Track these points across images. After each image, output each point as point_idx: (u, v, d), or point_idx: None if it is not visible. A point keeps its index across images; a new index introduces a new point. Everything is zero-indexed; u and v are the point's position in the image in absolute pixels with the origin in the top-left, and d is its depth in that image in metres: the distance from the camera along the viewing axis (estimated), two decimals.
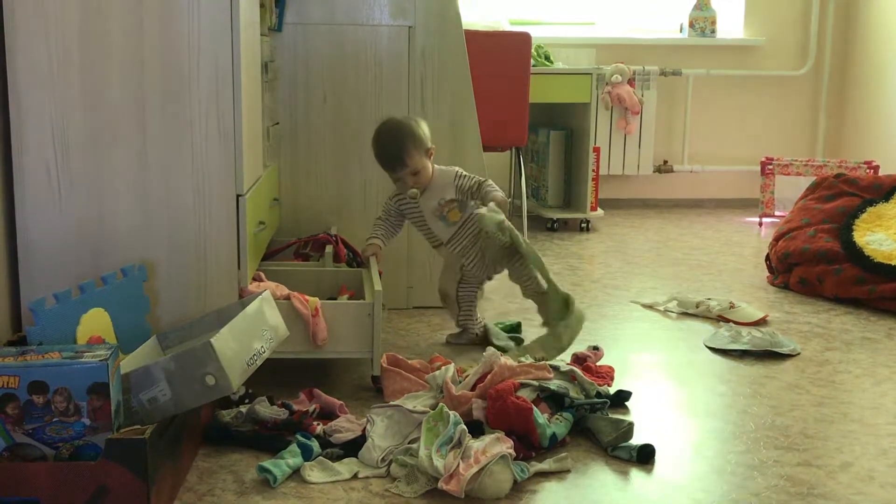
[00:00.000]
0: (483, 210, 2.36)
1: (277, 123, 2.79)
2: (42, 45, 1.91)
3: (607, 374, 2.31)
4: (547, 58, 4.70)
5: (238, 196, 2.01)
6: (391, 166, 2.47)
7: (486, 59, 3.82)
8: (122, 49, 1.93)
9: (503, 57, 4.00)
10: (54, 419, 1.51)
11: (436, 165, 2.52)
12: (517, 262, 2.48)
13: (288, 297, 2.14)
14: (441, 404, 1.84)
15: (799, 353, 2.56)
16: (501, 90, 3.99)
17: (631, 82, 5.03)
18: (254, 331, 1.80)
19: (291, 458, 1.76)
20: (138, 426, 1.58)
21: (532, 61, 4.25)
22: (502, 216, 2.37)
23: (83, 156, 1.96)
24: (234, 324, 1.74)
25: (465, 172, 2.51)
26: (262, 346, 1.80)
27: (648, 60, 5.14)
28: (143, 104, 1.95)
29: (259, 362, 1.78)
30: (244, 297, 2.01)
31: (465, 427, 1.76)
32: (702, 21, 5.21)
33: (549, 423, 1.88)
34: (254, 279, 2.23)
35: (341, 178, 2.89)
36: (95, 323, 1.77)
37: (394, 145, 2.45)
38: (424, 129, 2.48)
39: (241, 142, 1.99)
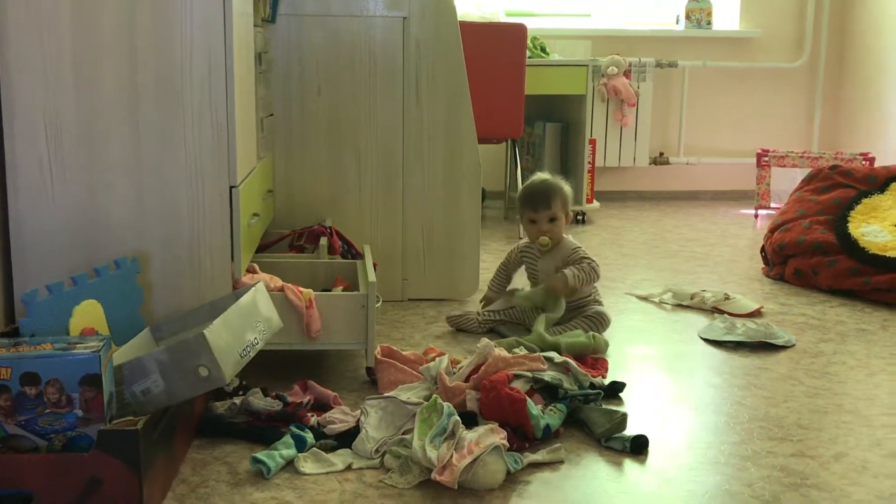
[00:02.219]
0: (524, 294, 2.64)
1: (271, 115, 2.79)
2: (34, 37, 1.90)
3: (601, 366, 2.31)
4: (543, 49, 4.70)
5: (231, 188, 2.01)
6: (535, 203, 2.65)
7: (481, 51, 3.82)
8: (115, 40, 1.92)
9: (499, 48, 3.99)
10: (46, 410, 1.50)
11: (568, 236, 2.70)
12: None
13: (282, 289, 2.14)
14: (435, 395, 1.84)
15: (793, 345, 2.56)
16: (497, 82, 3.98)
17: (627, 74, 5.03)
18: (247, 322, 1.79)
19: (285, 449, 1.76)
20: (131, 417, 1.58)
21: (528, 53, 4.25)
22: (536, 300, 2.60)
23: (76, 148, 1.95)
24: (228, 315, 1.74)
25: (581, 252, 2.65)
26: (255, 338, 1.80)
27: (644, 52, 5.14)
28: (136, 96, 1.95)
29: (252, 354, 1.78)
30: (238, 289, 2.01)
31: (458, 418, 1.76)
32: (698, 13, 5.21)
33: (542, 414, 1.88)
34: (248, 271, 2.23)
35: (336, 169, 2.88)
36: (88, 315, 1.77)
37: (545, 188, 2.67)
38: (570, 194, 2.71)
39: (234, 133, 1.98)
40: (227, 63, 1.96)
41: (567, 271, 2.57)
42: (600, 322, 2.60)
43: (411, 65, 2.85)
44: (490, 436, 1.72)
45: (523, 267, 2.77)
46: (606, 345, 2.46)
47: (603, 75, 4.98)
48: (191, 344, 1.62)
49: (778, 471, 1.75)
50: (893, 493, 1.67)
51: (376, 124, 2.87)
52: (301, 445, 1.78)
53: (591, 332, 2.44)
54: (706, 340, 2.60)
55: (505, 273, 2.80)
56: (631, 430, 1.88)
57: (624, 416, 1.90)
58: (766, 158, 4.71)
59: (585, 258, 2.62)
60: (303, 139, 2.86)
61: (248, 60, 2.22)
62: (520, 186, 4.35)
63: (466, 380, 1.98)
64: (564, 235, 2.70)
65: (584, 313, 2.60)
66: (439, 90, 2.88)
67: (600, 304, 2.67)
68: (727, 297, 2.93)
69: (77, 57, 1.92)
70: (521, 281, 2.83)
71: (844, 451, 1.85)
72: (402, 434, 1.81)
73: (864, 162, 4.55)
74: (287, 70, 2.82)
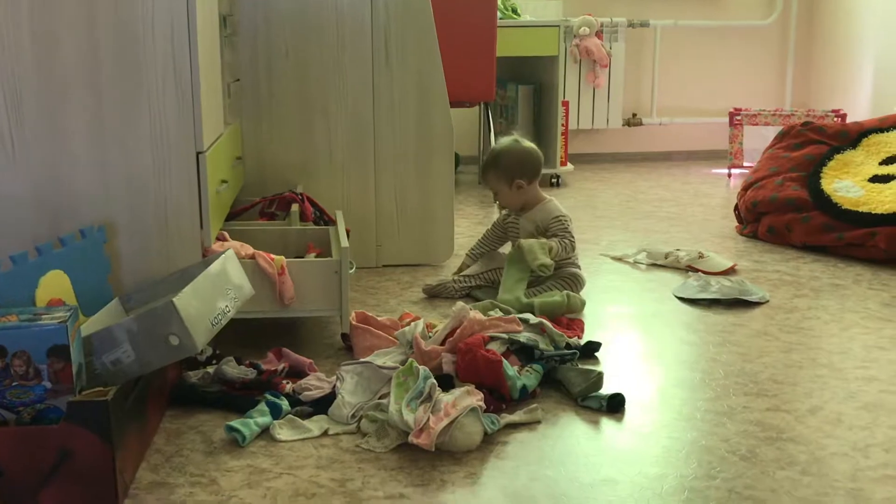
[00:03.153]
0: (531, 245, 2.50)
1: (238, 80, 2.74)
2: None
3: (577, 326, 2.30)
4: (514, 10, 4.65)
5: (198, 154, 1.96)
6: (481, 177, 2.82)
7: (451, 12, 3.77)
8: (73, 3, 1.87)
9: (469, 9, 3.95)
10: (14, 383, 1.47)
11: (549, 199, 2.69)
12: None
13: (253, 257, 2.11)
14: (411, 360, 1.83)
15: (768, 301, 2.57)
16: (468, 44, 3.94)
17: (599, 34, 5.00)
18: (217, 290, 1.77)
19: (260, 417, 1.74)
20: (101, 388, 1.55)
21: (499, 14, 4.20)
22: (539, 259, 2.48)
23: (37, 116, 1.89)
24: (197, 283, 1.71)
25: (563, 220, 2.62)
26: (226, 306, 1.77)
27: (616, 12, 5.11)
28: (97, 61, 1.89)
29: (224, 322, 1.75)
30: (207, 257, 1.98)
31: (434, 381, 1.74)
32: None
33: (518, 376, 1.87)
34: (218, 239, 2.20)
35: (306, 134, 2.84)
36: (55, 285, 1.73)
37: (485, 161, 2.75)
38: (524, 162, 2.66)
39: (199, 98, 1.93)
40: (189, 26, 1.91)
41: (553, 243, 2.55)
42: (574, 283, 2.59)
43: (380, 26, 2.81)
44: (466, 398, 1.72)
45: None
46: (582, 304, 2.47)
47: (575, 36, 4.94)
48: (160, 312, 1.59)
49: (754, 425, 1.76)
50: (868, 444, 1.68)
51: (346, 88, 2.83)
52: (276, 413, 1.77)
53: (565, 291, 2.44)
54: (681, 299, 2.60)
55: (486, 240, 2.79)
56: (607, 389, 1.88)
57: (600, 376, 1.89)
58: (739, 117, 4.71)
59: (567, 232, 2.60)
60: (271, 104, 2.82)
61: (212, 23, 2.17)
62: None
63: (442, 343, 1.97)
64: (548, 198, 2.69)
65: (559, 275, 2.59)
66: (409, 52, 2.84)
67: (577, 266, 2.66)
68: (701, 256, 2.93)
69: (34, 21, 1.86)
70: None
71: (819, 405, 1.86)
72: (379, 399, 1.80)
73: (835, 118, 4.56)
74: (253, 33, 2.76)
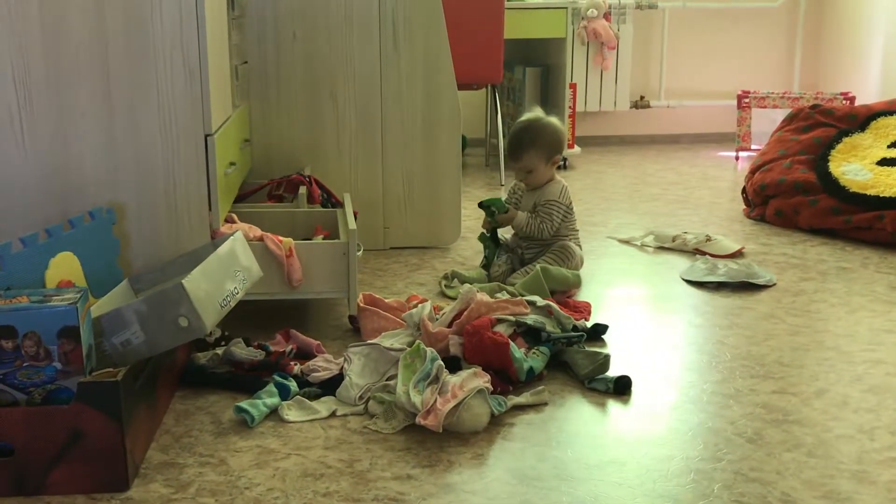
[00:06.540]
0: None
1: (246, 62, 2.74)
2: None
3: (584, 309, 2.31)
4: None
5: (206, 136, 1.97)
6: (510, 155, 2.67)
7: None
8: None
9: None
10: (25, 364, 1.48)
11: (558, 180, 2.66)
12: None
13: (261, 239, 2.12)
14: (418, 341, 1.83)
15: (775, 284, 2.57)
16: (476, 26, 3.93)
17: (607, 16, 4.97)
18: (226, 272, 1.77)
19: (269, 398, 1.75)
20: (111, 369, 1.56)
21: None
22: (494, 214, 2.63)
23: (46, 97, 1.90)
24: (206, 265, 1.72)
25: (549, 206, 2.61)
26: (235, 287, 1.78)
27: None
28: (105, 43, 1.90)
29: (233, 303, 1.76)
30: (216, 239, 1.99)
31: (442, 363, 1.75)
32: None
33: (525, 358, 1.88)
34: (226, 221, 2.20)
35: (313, 117, 2.84)
36: (64, 267, 1.74)
37: (519, 140, 2.64)
38: (561, 138, 2.66)
39: (207, 80, 1.94)
40: (197, 8, 1.91)
41: (523, 216, 2.61)
42: (564, 255, 2.59)
43: (388, 8, 2.80)
44: (474, 379, 1.72)
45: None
46: (574, 277, 2.49)
47: (583, 18, 4.92)
48: (170, 294, 1.60)
49: (760, 408, 1.77)
50: (873, 426, 1.68)
51: (353, 70, 2.82)
52: (285, 394, 1.78)
53: (538, 265, 2.43)
54: (688, 282, 2.60)
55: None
56: (614, 371, 1.89)
57: (607, 358, 1.90)
58: (747, 100, 4.69)
59: (549, 214, 2.60)
60: (279, 87, 2.81)
61: (219, 5, 2.17)
62: (500, 133, 4.34)
63: (449, 325, 1.97)
64: (557, 178, 2.67)
65: (551, 248, 2.60)
66: (417, 34, 2.83)
67: (575, 241, 2.66)
68: (709, 239, 2.93)
69: (43, 4, 1.86)
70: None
71: (825, 388, 1.86)
72: (386, 380, 1.81)
73: (844, 101, 4.54)
74: (261, 15, 2.76)
